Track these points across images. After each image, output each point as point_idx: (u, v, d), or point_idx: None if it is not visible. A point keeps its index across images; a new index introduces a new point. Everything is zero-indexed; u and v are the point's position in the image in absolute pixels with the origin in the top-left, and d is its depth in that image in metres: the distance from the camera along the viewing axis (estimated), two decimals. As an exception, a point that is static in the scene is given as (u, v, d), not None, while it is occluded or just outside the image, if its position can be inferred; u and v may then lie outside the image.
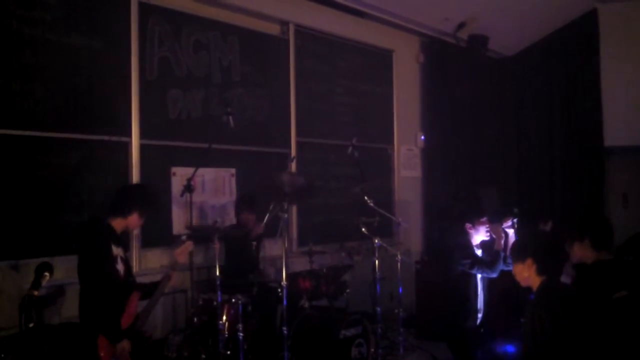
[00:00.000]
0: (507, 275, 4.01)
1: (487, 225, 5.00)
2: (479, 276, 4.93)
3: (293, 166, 6.49)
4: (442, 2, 7.52)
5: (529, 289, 3.41)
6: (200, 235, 5.06)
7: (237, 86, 6.15)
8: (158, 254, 5.40)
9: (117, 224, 3.90)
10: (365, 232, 5.84)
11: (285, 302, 4.73)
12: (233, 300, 4.70)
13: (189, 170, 5.23)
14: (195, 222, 5.44)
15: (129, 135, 5.25)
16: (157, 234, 5.40)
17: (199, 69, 5.82)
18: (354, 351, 5.11)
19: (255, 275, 5.44)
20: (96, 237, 3.78)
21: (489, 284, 5.03)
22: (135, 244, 5.24)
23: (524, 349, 3.26)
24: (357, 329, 5.18)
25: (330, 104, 7.19)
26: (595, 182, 8.45)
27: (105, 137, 5.08)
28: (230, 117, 5.18)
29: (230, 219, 5.97)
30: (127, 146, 5.25)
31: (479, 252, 5.01)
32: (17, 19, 4.57)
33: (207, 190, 5.83)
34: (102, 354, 3.57)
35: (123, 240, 4.04)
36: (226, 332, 4.61)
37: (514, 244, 4.31)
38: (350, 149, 6.10)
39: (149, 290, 4.06)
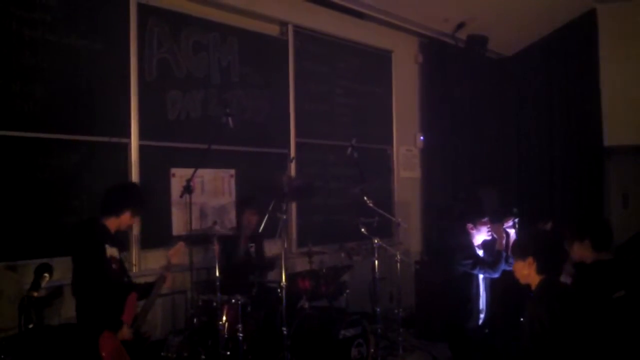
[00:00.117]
0: (509, 275, 4.02)
1: (489, 226, 5.01)
2: (480, 276, 4.93)
3: (292, 167, 6.50)
4: (441, 3, 7.52)
5: (529, 288, 3.42)
6: (199, 236, 5.08)
7: (236, 87, 6.15)
8: (158, 255, 5.39)
9: (111, 223, 3.91)
10: (365, 232, 5.85)
11: (284, 303, 4.74)
12: (233, 300, 4.70)
13: (189, 171, 5.23)
14: (194, 223, 5.44)
15: (129, 136, 5.26)
16: (157, 235, 5.41)
17: (198, 70, 5.83)
18: (353, 351, 5.11)
19: (256, 276, 5.45)
20: (89, 238, 3.78)
21: (490, 284, 5.03)
22: (135, 245, 5.25)
23: (523, 347, 3.27)
24: (356, 329, 5.18)
25: (330, 104, 7.20)
26: (595, 182, 8.44)
27: (105, 138, 5.09)
28: (230, 118, 5.19)
29: (230, 219, 5.97)
30: (126, 147, 5.25)
31: (480, 252, 5.01)
32: (17, 21, 4.58)
33: (207, 191, 5.84)
34: (103, 354, 3.57)
35: (118, 240, 4.04)
36: (226, 333, 4.62)
37: (515, 241, 4.33)
38: (349, 149, 6.11)
39: (146, 291, 4.08)
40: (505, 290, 5.07)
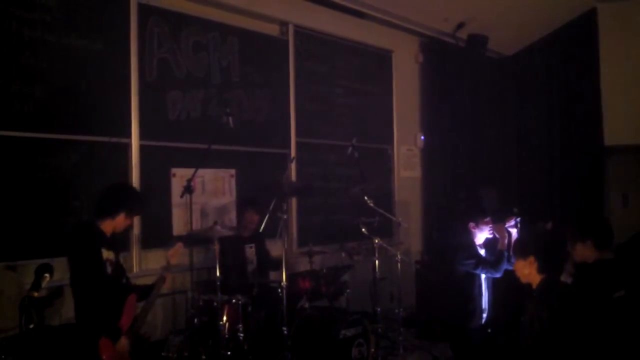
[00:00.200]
0: (510, 275, 4.02)
1: (491, 225, 5.01)
2: (482, 276, 4.93)
3: (293, 167, 6.50)
4: (441, 2, 7.52)
5: (530, 287, 3.43)
6: (200, 236, 5.08)
7: (236, 87, 6.15)
8: (158, 255, 5.38)
9: (106, 225, 3.89)
10: (365, 232, 5.85)
11: (285, 303, 4.74)
12: (233, 300, 4.70)
13: (189, 171, 5.23)
14: (195, 223, 5.44)
15: (129, 136, 5.26)
16: (158, 235, 5.40)
17: (198, 70, 5.83)
18: (354, 351, 5.11)
19: (256, 277, 5.45)
20: (85, 242, 3.77)
21: (492, 284, 5.03)
22: (135, 245, 5.24)
23: (524, 347, 3.27)
24: (357, 329, 5.18)
25: (330, 104, 7.20)
26: (595, 182, 8.44)
27: (105, 139, 5.08)
28: (230, 118, 5.19)
29: (230, 219, 5.97)
30: (126, 147, 5.25)
31: (482, 252, 5.01)
32: (17, 21, 4.58)
33: (207, 191, 5.84)
34: (104, 357, 3.57)
35: (115, 243, 4.02)
36: (226, 333, 4.62)
37: (517, 240, 4.33)
38: (350, 149, 6.11)
39: (145, 292, 4.07)
40: (507, 289, 5.07)
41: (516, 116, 9.26)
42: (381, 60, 7.90)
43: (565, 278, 3.79)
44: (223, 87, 6.02)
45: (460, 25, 8.06)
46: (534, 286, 3.37)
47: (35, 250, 4.53)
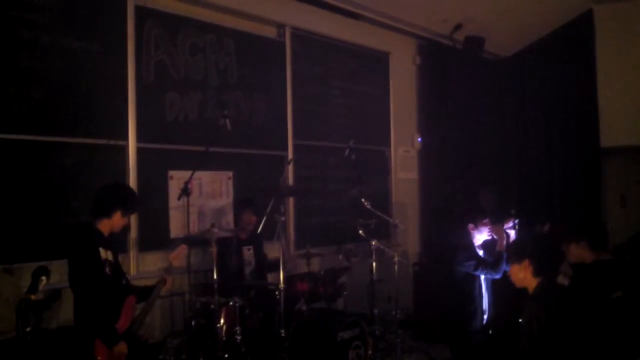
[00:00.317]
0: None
1: (489, 227, 5.01)
2: (482, 277, 4.93)
3: (290, 169, 6.50)
4: (438, 4, 7.53)
5: (526, 291, 3.43)
6: (197, 238, 5.08)
7: (233, 89, 6.15)
8: (156, 258, 5.40)
9: (104, 226, 3.90)
10: (363, 234, 5.85)
11: (282, 305, 4.74)
12: (231, 303, 4.70)
13: (186, 174, 5.21)
14: (192, 225, 5.44)
15: (126, 138, 5.25)
16: (155, 237, 5.40)
17: (195, 72, 5.83)
18: (351, 353, 5.11)
19: (253, 279, 5.45)
20: (82, 242, 3.78)
21: (492, 285, 5.03)
22: (133, 248, 5.24)
23: (522, 349, 3.27)
24: (354, 331, 5.18)
25: (327, 106, 7.20)
26: (592, 182, 8.45)
27: (102, 141, 5.08)
28: (227, 120, 5.18)
29: (228, 221, 5.97)
30: (124, 150, 5.24)
31: (480, 253, 5.01)
32: (14, 22, 4.57)
33: (205, 193, 5.84)
34: (99, 358, 3.57)
35: (113, 243, 4.03)
36: (224, 335, 4.62)
37: (510, 244, 4.33)
38: (347, 151, 6.11)
39: (144, 294, 4.07)
40: (507, 290, 5.07)
41: (514, 117, 9.27)
42: (378, 62, 7.90)
43: (561, 280, 3.80)
44: (220, 89, 6.02)
45: (458, 27, 8.08)
46: (530, 290, 3.37)
47: (33, 253, 4.52)
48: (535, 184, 8.96)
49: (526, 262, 3.35)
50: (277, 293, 4.86)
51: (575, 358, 3.13)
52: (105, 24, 5.15)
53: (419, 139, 8.42)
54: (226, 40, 6.10)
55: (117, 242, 4.36)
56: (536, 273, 3.33)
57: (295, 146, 6.72)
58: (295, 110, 6.76)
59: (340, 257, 6.10)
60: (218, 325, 4.57)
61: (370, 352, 5.30)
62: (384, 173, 7.92)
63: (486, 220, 5.02)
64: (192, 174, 5.15)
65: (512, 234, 5.14)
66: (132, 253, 5.24)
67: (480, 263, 4.84)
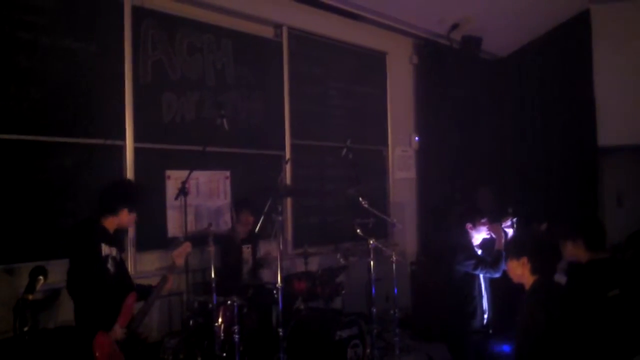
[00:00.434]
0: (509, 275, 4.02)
1: (488, 226, 5.02)
2: (481, 277, 4.93)
3: (288, 168, 6.50)
4: (435, 4, 7.54)
5: (523, 288, 3.44)
6: (195, 237, 5.07)
7: (231, 89, 6.16)
8: (153, 257, 5.41)
9: (109, 223, 3.90)
10: (360, 233, 5.85)
11: (280, 304, 4.74)
12: (228, 302, 4.70)
13: (184, 173, 5.22)
14: (190, 224, 5.44)
15: (124, 138, 5.25)
16: (152, 236, 5.40)
17: (192, 72, 5.83)
18: (349, 352, 5.12)
19: (250, 278, 5.45)
20: (85, 238, 3.78)
21: (492, 284, 5.03)
22: (130, 247, 5.24)
23: (518, 347, 3.28)
24: (352, 330, 5.19)
25: (325, 106, 7.21)
26: (589, 182, 8.47)
27: (100, 141, 5.08)
28: (224, 120, 5.18)
29: (225, 221, 5.97)
30: (121, 149, 5.24)
31: (478, 252, 5.02)
32: (12, 23, 4.57)
33: (202, 193, 5.84)
34: (97, 354, 3.57)
35: (118, 240, 4.03)
36: (222, 335, 4.62)
37: (510, 240, 4.34)
38: (344, 150, 6.12)
39: (146, 292, 4.06)
40: (507, 290, 5.08)
41: (511, 117, 9.29)
42: (375, 61, 7.91)
43: (559, 278, 3.80)
44: (217, 89, 6.02)
45: (455, 27, 8.08)
46: (527, 287, 3.37)
47: (30, 253, 4.51)
48: (532, 183, 8.98)
49: (524, 259, 3.35)
50: (275, 292, 4.86)
51: (572, 356, 3.14)
52: (103, 24, 5.15)
53: (417, 139, 8.42)
54: (223, 40, 6.10)
55: (121, 240, 4.35)
56: (534, 270, 3.33)
57: (292, 146, 6.72)
58: (293, 110, 6.76)
59: (338, 256, 6.11)
60: (216, 324, 4.57)
61: (368, 351, 5.32)
62: (381, 172, 7.93)
63: (484, 220, 5.02)
64: (190, 174, 5.16)
65: (510, 232, 5.14)
66: (130, 252, 5.24)
67: (480, 262, 4.84)
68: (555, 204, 8.64)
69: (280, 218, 4.96)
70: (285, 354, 4.75)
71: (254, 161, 6.32)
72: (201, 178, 5.79)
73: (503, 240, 4.90)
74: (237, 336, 4.56)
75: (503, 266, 4.80)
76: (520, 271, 3.39)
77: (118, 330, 3.70)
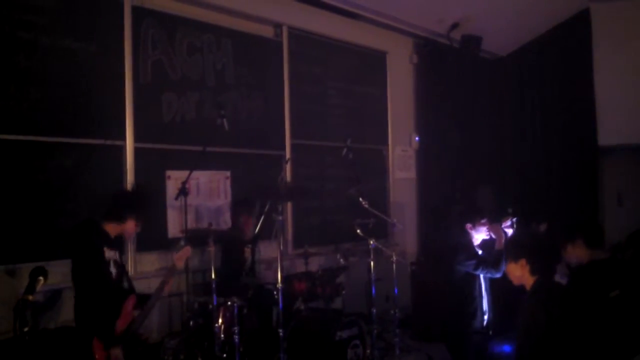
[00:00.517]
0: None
1: (488, 226, 5.01)
2: (482, 277, 4.93)
3: (288, 168, 6.50)
4: (435, 3, 7.53)
5: (523, 289, 3.43)
6: (196, 238, 5.06)
7: (231, 89, 6.15)
8: (153, 258, 5.40)
9: (112, 228, 3.91)
10: (361, 233, 5.84)
11: (281, 304, 4.74)
12: (229, 303, 4.70)
13: (184, 174, 5.22)
14: (190, 225, 5.43)
15: (124, 138, 5.25)
16: (153, 237, 5.38)
17: (192, 72, 5.82)
18: (349, 353, 5.12)
19: (250, 278, 5.44)
20: (87, 239, 3.78)
21: (492, 285, 5.03)
22: (130, 248, 5.22)
23: (519, 347, 3.28)
24: (352, 331, 5.18)
25: (325, 105, 7.20)
26: (589, 181, 8.47)
27: (100, 141, 5.07)
28: (225, 120, 5.18)
29: (225, 221, 5.97)
30: (121, 149, 5.24)
31: (479, 252, 5.02)
32: (11, 23, 4.56)
33: (202, 193, 5.83)
34: (97, 356, 3.57)
35: (118, 243, 4.03)
36: (222, 335, 4.62)
37: (508, 242, 4.33)
38: (344, 150, 6.11)
39: (145, 299, 4.05)
40: (507, 290, 5.07)
41: (511, 116, 9.29)
42: (375, 61, 7.91)
43: (560, 279, 3.80)
44: (217, 89, 6.02)
45: (455, 26, 8.08)
46: (528, 288, 3.37)
47: (31, 253, 4.50)
48: (532, 182, 8.98)
49: (523, 261, 3.35)
50: (275, 293, 4.85)
51: (573, 356, 3.13)
52: (103, 24, 5.15)
53: (417, 138, 8.42)
54: (223, 40, 6.09)
55: (121, 243, 4.35)
56: (533, 271, 3.33)
57: (292, 146, 6.72)
58: (293, 110, 6.76)
59: (338, 256, 6.10)
60: (216, 325, 4.57)
61: (368, 351, 5.31)
62: (381, 172, 7.93)
63: (484, 220, 5.02)
64: (190, 174, 5.16)
65: (510, 232, 5.14)
66: (130, 253, 5.23)
67: (481, 262, 4.83)
68: (555, 204, 8.64)
69: (280, 218, 4.96)
70: (286, 355, 4.75)
71: (254, 161, 6.31)
72: (201, 178, 5.78)
73: (503, 241, 4.90)
74: (237, 337, 4.56)
75: (504, 266, 4.79)
76: (519, 273, 3.38)
77: (117, 352, 3.69)
